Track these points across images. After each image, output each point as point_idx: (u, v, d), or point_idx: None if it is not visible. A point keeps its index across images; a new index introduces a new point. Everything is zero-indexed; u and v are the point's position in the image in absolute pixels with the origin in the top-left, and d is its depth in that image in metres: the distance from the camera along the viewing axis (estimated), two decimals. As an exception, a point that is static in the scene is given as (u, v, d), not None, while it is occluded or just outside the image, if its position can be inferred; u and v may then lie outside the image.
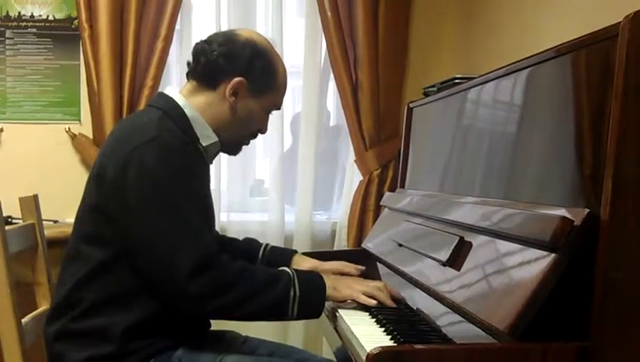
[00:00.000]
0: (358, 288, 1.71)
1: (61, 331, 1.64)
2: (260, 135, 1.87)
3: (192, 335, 1.70)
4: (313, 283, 1.66)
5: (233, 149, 1.85)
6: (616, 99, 1.16)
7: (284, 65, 1.82)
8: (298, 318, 1.64)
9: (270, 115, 1.84)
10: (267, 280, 1.62)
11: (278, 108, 1.85)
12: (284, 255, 2.01)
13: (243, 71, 1.72)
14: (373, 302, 1.68)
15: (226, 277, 1.57)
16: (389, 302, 1.70)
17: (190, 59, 1.78)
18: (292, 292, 1.61)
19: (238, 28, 1.85)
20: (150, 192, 1.56)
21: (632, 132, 1.16)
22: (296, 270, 1.68)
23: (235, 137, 1.80)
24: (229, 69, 1.71)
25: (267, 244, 2.04)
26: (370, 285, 1.74)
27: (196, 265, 1.53)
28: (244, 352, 1.83)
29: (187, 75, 1.79)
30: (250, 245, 2.03)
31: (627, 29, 1.16)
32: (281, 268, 1.71)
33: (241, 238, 2.10)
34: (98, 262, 1.61)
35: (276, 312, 1.63)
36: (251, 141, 1.87)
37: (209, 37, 1.78)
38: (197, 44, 1.78)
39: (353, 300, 1.71)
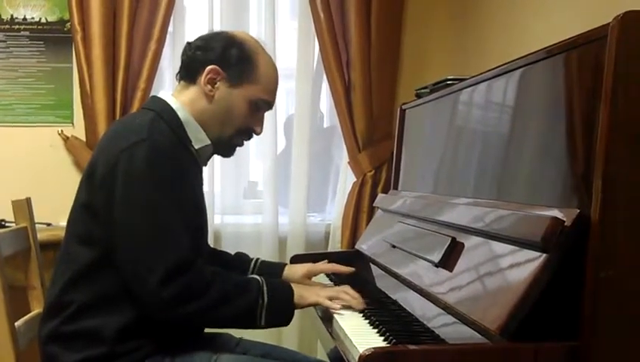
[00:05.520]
0: (322, 294, 1.72)
1: (53, 333, 1.64)
2: (254, 137, 1.84)
3: (186, 336, 1.69)
4: (280, 291, 1.67)
5: (225, 150, 1.82)
6: (605, 99, 1.17)
7: (270, 61, 1.79)
8: (266, 326, 1.64)
9: (261, 115, 1.81)
10: (237, 287, 1.63)
11: (269, 106, 1.81)
12: (275, 268, 2.02)
13: (217, 59, 1.72)
14: (337, 306, 1.69)
15: (197, 284, 1.56)
16: (354, 303, 1.70)
17: None
18: (260, 300, 1.62)
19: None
20: (133, 191, 1.56)
21: (621, 132, 1.17)
22: (265, 278, 1.68)
23: (222, 133, 1.76)
24: (204, 59, 1.72)
25: (257, 259, 2.03)
26: (335, 289, 1.77)
27: (169, 270, 1.52)
28: (238, 353, 1.83)
29: (176, 77, 1.81)
30: (240, 259, 2.03)
31: (616, 30, 1.16)
32: (250, 276, 1.72)
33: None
34: (87, 263, 1.61)
35: (246, 319, 1.63)
36: (245, 143, 1.85)
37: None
38: (184, 46, 1.79)
39: (318, 304, 1.72)
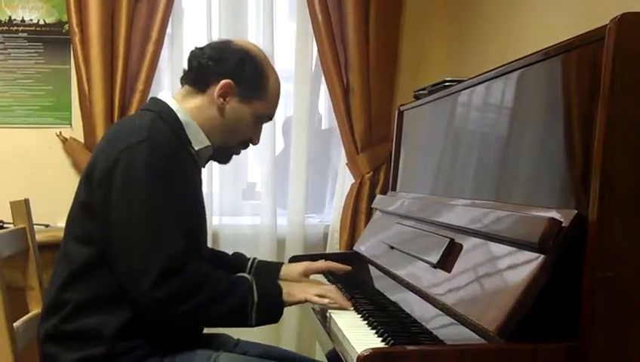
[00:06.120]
0: (310, 291, 1.74)
1: (51, 332, 1.64)
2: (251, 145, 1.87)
3: (186, 335, 1.70)
4: (269, 289, 1.69)
5: (223, 157, 1.85)
6: (602, 100, 1.17)
7: (276, 76, 1.83)
8: (257, 324, 1.66)
9: (261, 127, 1.85)
10: (227, 287, 1.64)
11: (270, 119, 1.87)
12: (272, 267, 2.02)
13: (231, 74, 1.73)
14: (325, 301, 1.71)
15: (190, 284, 1.57)
16: (342, 302, 1.72)
17: (184, 65, 1.80)
18: (250, 299, 1.63)
19: (234, 38, 1.87)
20: (132, 191, 1.57)
21: (618, 133, 1.17)
22: (254, 277, 1.70)
23: (225, 143, 1.79)
24: (218, 72, 1.73)
25: (255, 258, 2.04)
26: (323, 287, 1.78)
27: (163, 270, 1.53)
28: (237, 353, 1.84)
29: (181, 81, 1.81)
30: (238, 259, 2.04)
31: (613, 32, 1.17)
32: (240, 274, 1.73)
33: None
34: (84, 261, 1.62)
35: (237, 318, 1.65)
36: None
37: (205, 44, 1.81)
38: (192, 50, 1.80)
39: (307, 301, 1.73)
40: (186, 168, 1.69)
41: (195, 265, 1.60)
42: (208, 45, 1.79)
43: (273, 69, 1.82)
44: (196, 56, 1.76)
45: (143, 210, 1.56)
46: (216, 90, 1.73)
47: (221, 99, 1.74)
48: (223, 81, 1.72)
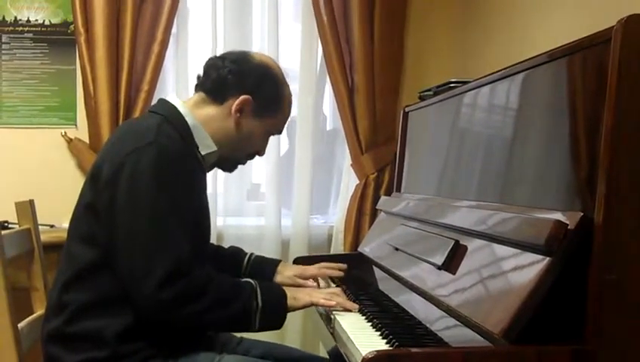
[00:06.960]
0: (316, 294, 1.75)
1: (54, 333, 1.65)
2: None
3: (188, 338, 1.70)
4: (274, 294, 1.69)
5: (229, 166, 1.89)
6: (609, 102, 1.17)
7: (290, 93, 1.85)
8: (260, 329, 1.66)
9: (268, 139, 1.88)
10: (231, 290, 1.64)
11: (280, 133, 1.91)
12: (269, 264, 2.02)
13: (251, 90, 1.75)
14: (332, 303, 1.72)
15: (194, 288, 1.57)
16: (349, 304, 1.72)
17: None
18: (254, 304, 1.63)
19: (253, 51, 1.90)
20: (137, 194, 1.57)
21: (625, 135, 1.16)
22: (258, 281, 1.70)
23: (233, 154, 1.83)
24: (238, 86, 1.75)
25: (252, 254, 2.05)
26: (328, 291, 1.79)
27: (168, 273, 1.53)
28: (240, 352, 1.84)
29: (196, 87, 1.82)
30: (235, 254, 2.05)
31: (620, 33, 1.16)
32: (244, 279, 1.73)
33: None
34: (88, 262, 1.62)
35: (240, 323, 1.65)
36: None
37: (223, 54, 1.83)
38: (210, 58, 1.82)
39: (313, 304, 1.74)
40: (192, 172, 1.69)
41: (200, 268, 1.60)
42: (228, 56, 1.79)
43: (288, 85, 1.85)
44: (216, 66, 1.77)
45: (148, 213, 1.56)
46: (234, 104, 1.74)
47: (238, 114, 1.75)
48: (243, 97, 1.74)
